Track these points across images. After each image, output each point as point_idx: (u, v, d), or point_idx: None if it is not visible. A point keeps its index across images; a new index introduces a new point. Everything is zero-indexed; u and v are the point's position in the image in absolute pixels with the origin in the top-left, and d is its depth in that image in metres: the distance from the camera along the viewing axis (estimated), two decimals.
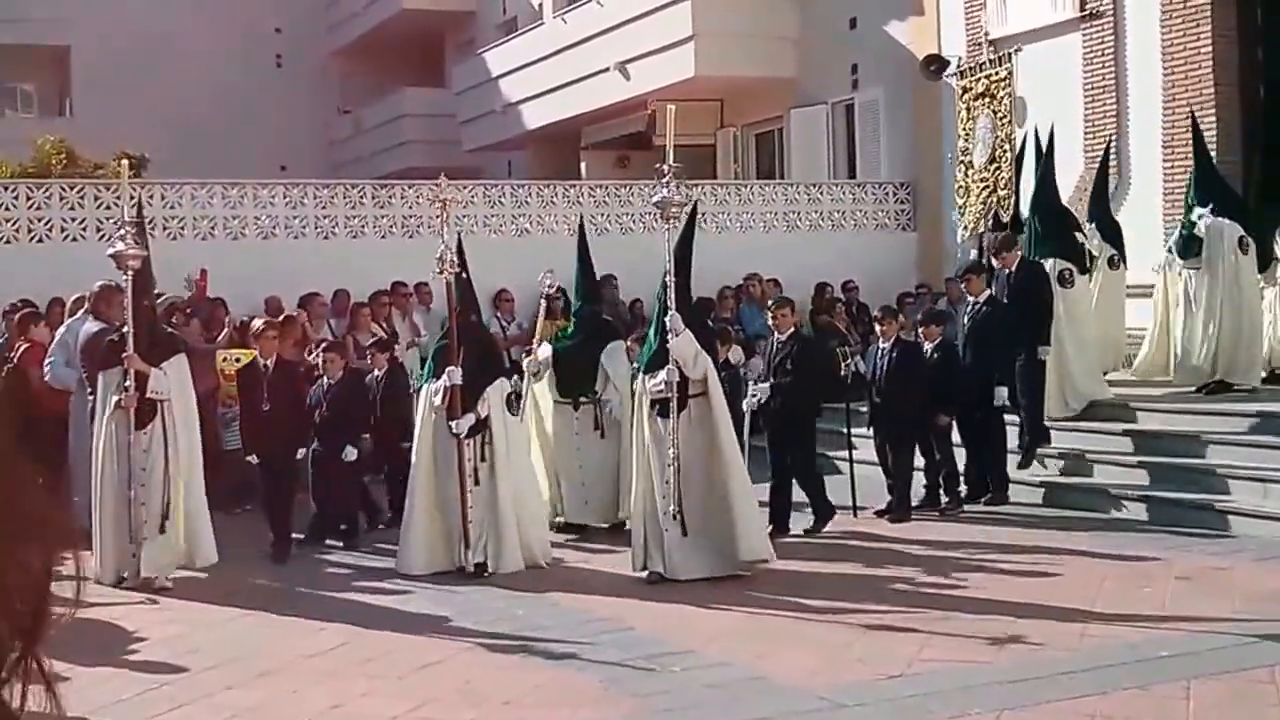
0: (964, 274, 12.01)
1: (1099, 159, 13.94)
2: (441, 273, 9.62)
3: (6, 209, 14.62)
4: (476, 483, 9.36)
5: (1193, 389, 11.77)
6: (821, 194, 17.87)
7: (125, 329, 9.36)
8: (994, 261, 11.84)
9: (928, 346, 11.23)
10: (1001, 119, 12.71)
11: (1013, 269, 11.51)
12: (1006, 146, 12.72)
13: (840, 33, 18.98)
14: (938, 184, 16.81)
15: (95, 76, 30.94)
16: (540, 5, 25.26)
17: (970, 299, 11.62)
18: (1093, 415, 11.72)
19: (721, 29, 19.61)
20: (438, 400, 9.47)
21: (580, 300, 11.45)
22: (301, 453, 10.67)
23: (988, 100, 12.88)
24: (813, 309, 15.70)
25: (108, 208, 14.60)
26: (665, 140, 9.35)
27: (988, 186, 12.83)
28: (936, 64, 16.19)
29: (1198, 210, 11.70)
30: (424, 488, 9.55)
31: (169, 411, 9.36)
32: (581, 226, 12.08)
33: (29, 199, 14.79)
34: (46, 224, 14.69)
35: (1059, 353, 11.56)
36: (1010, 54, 13.04)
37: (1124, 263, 13.17)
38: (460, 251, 9.90)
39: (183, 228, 15.32)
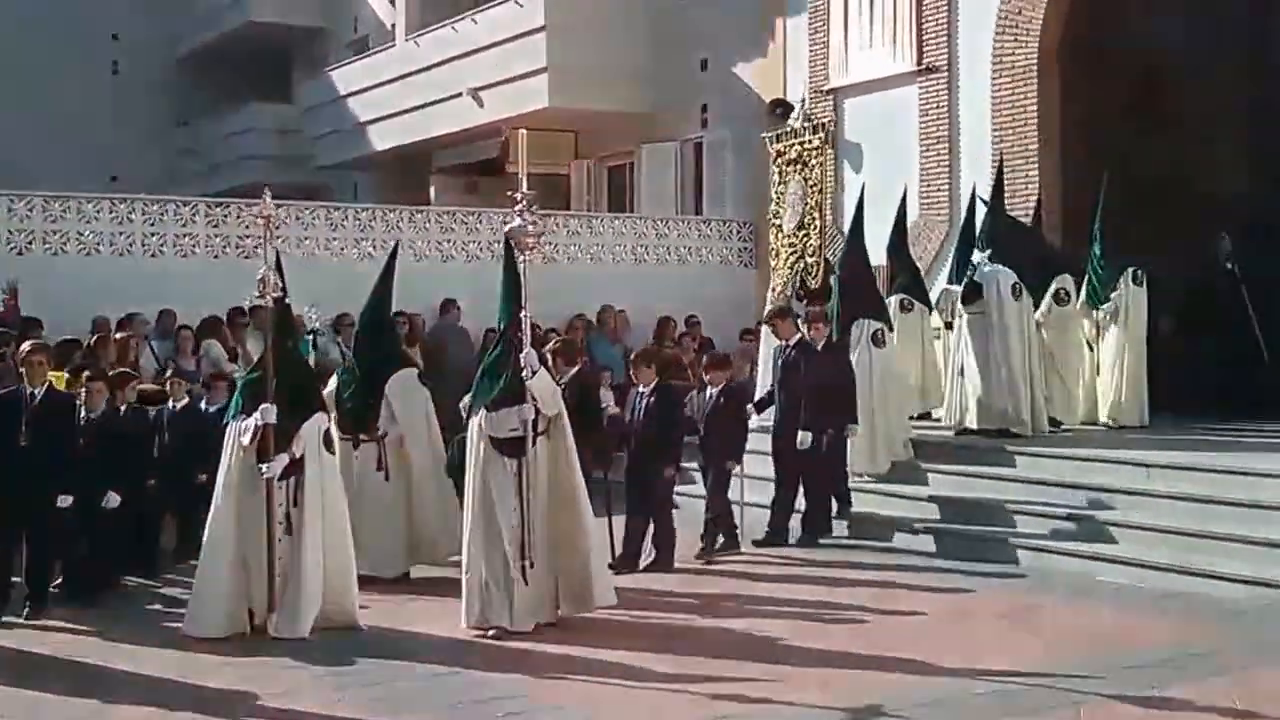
0: (770, 318, 12.54)
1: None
2: (262, 296, 9.23)
3: None
4: (289, 531, 8.87)
5: (978, 430, 12.74)
6: (669, 229, 18.99)
7: None
8: (818, 327, 12.21)
9: (711, 391, 11.60)
10: (812, 186, 13.41)
11: (791, 345, 11.97)
12: (816, 215, 13.31)
13: (692, 72, 20.19)
14: None
15: None
16: (393, 26, 26.01)
17: (779, 342, 12.18)
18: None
19: (576, 62, 20.57)
20: (246, 439, 8.90)
21: (365, 330, 11.39)
22: (67, 500, 9.59)
23: (799, 166, 13.63)
24: (655, 341, 16.77)
25: None
26: (519, 167, 9.32)
27: (796, 252, 13.48)
28: (782, 108, 17.46)
29: (977, 255, 12.92)
30: (226, 538, 8.87)
31: None
32: (394, 252, 11.74)
33: None
34: None
35: (873, 411, 12.28)
36: (824, 123, 13.89)
37: (924, 305, 14.22)
38: (280, 273, 9.46)
39: None
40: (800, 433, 11.53)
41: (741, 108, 19.09)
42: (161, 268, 15.83)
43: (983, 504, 11.48)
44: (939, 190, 15.90)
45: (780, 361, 12.10)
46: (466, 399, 9.58)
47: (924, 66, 16.20)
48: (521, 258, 9.10)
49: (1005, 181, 13.81)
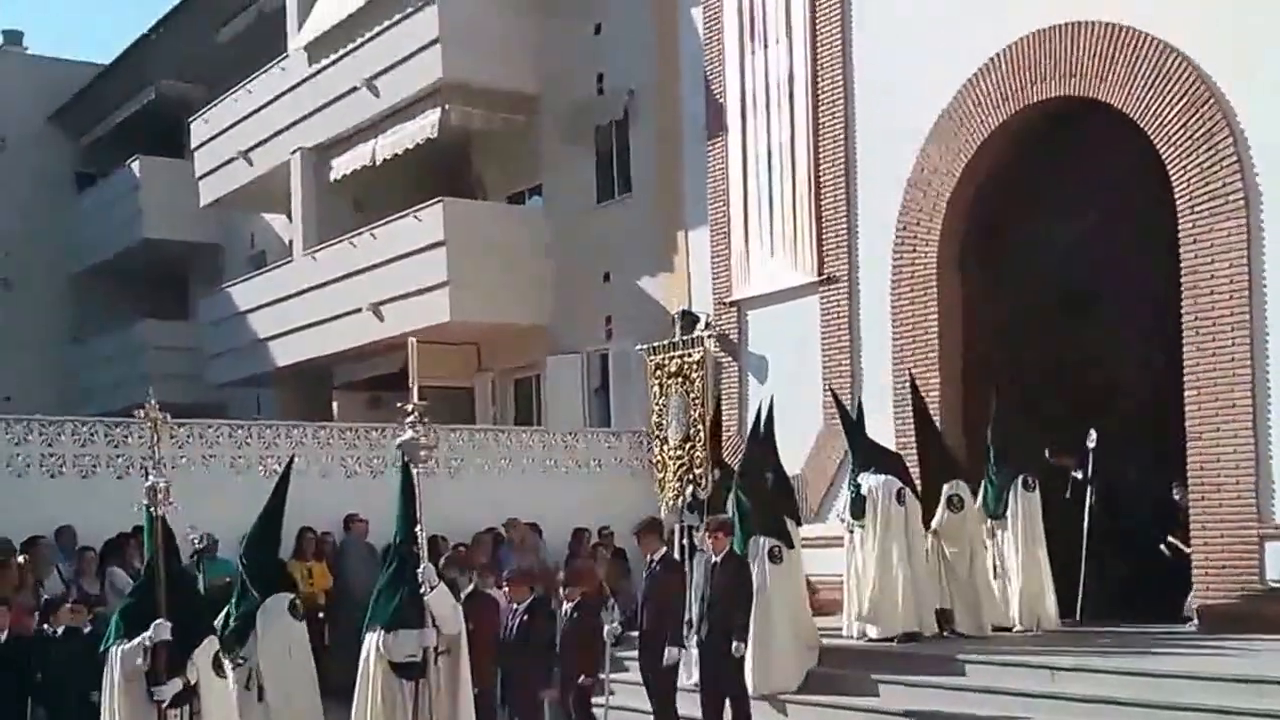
0: (637, 531, 12.43)
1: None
2: (150, 507, 8.65)
3: None
4: None
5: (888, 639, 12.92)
6: (578, 440, 19.13)
7: None
8: (705, 541, 12.18)
9: (567, 606, 11.73)
10: (694, 399, 13.69)
11: (719, 558, 11.87)
12: (700, 426, 13.60)
13: (595, 284, 20.60)
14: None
15: None
16: (291, 241, 26.24)
17: (647, 557, 12.10)
18: None
19: (477, 275, 20.91)
20: (140, 661, 8.29)
21: (249, 547, 10.60)
22: None
23: (680, 380, 13.91)
24: (570, 554, 16.76)
25: None
26: (411, 378, 9.28)
27: (683, 464, 13.74)
28: (686, 319, 17.91)
29: (862, 474, 13.29)
30: None
31: None
32: (288, 466, 11.19)
33: None
34: None
35: (766, 629, 12.33)
36: (701, 336, 14.19)
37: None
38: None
39: None
40: (667, 649, 11.47)
41: (647, 319, 19.47)
42: (63, 488, 15.55)
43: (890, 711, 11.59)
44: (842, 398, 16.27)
45: (646, 576, 12.09)
46: None
47: (825, 276, 16.72)
48: (416, 470, 9.06)
49: (903, 393, 14.16)
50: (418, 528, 8.99)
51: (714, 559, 11.90)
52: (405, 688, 8.72)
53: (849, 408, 14.35)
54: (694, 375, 13.80)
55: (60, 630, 11.55)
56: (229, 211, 29.11)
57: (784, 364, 17.11)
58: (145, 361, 29.27)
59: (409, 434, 8.97)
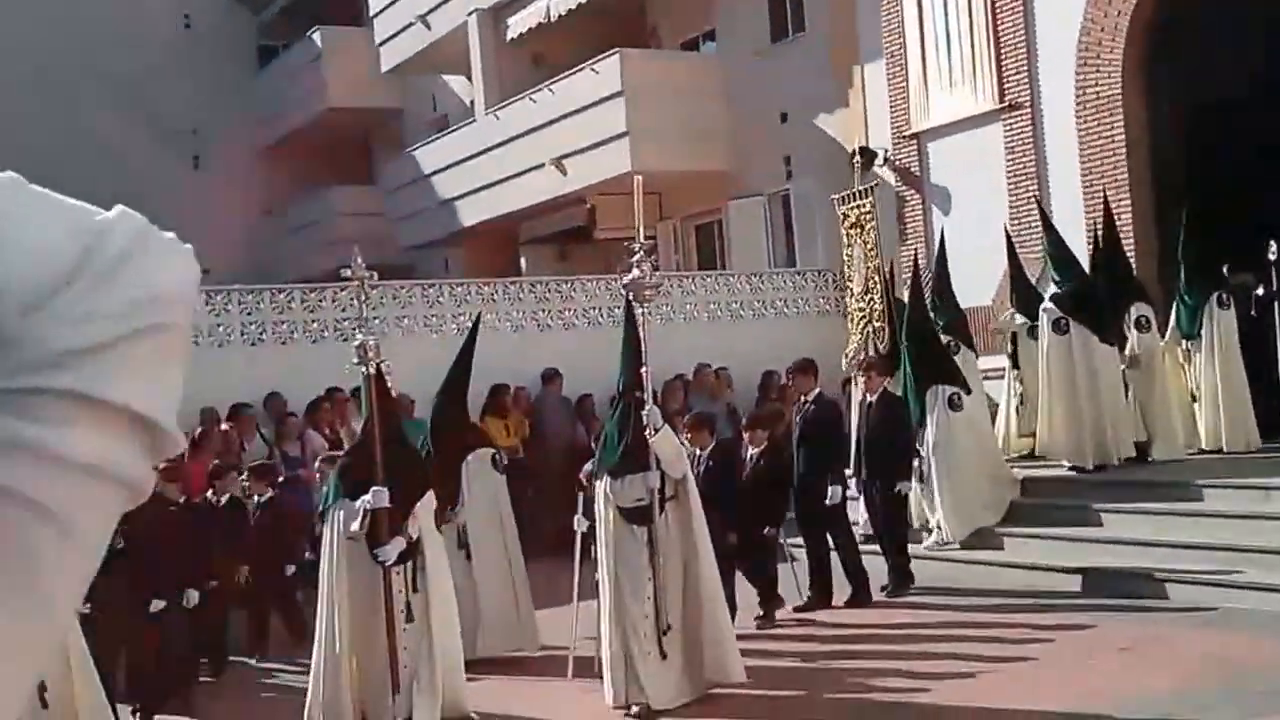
0: (791, 371, 12.57)
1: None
2: (361, 364, 8.65)
3: None
4: (410, 619, 8.40)
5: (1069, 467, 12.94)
6: (763, 283, 19.39)
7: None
8: (859, 379, 12.50)
9: (753, 451, 11.45)
10: (870, 250, 13.63)
11: (874, 397, 12.11)
12: (877, 278, 13.41)
13: (772, 126, 20.69)
14: None
15: None
16: (472, 102, 26.71)
17: (800, 397, 12.10)
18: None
19: (655, 124, 21.14)
20: (355, 525, 8.36)
21: (439, 407, 10.97)
22: (161, 605, 9.73)
23: (858, 231, 13.83)
24: (760, 395, 17.11)
25: None
26: (636, 217, 8.96)
27: (864, 316, 13.70)
28: (865, 156, 17.86)
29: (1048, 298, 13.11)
30: (340, 632, 8.41)
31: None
32: (475, 324, 11.54)
33: None
34: None
35: (950, 478, 12.43)
36: (872, 187, 14.06)
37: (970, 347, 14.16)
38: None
39: None
40: (830, 488, 11.43)
41: (825, 157, 19.50)
42: (262, 355, 16.20)
43: (1095, 539, 11.65)
44: (1030, 227, 16.15)
45: (798, 416, 11.99)
46: (589, 466, 9.48)
47: (1006, 103, 16.54)
48: (640, 310, 8.89)
49: (1094, 217, 13.98)
50: (644, 369, 8.81)
51: (868, 399, 12.02)
52: (639, 534, 8.62)
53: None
54: (868, 225, 13.69)
55: (263, 498, 11.88)
56: (410, 76, 29.60)
57: (967, 194, 17.05)
58: (334, 228, 30.05)
59: (634, 273, 8.73)
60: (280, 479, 12.79)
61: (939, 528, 12.58)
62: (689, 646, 8.67)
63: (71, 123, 31.13)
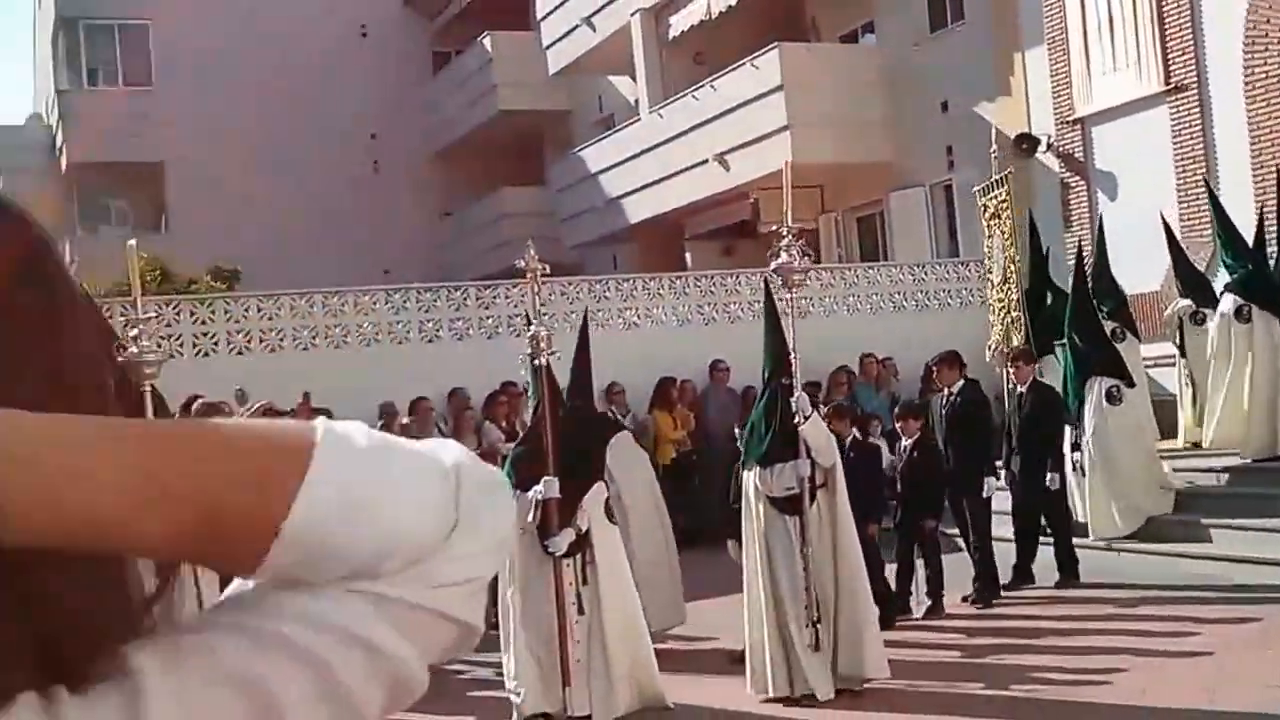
0: (936, 363, 12.37)
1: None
2: (533, 355, 8.69)
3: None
4: (581, 611, 8.31)
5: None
6: (926, 273, 19.21)
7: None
8: (1009, 370, 12.25)
9: (906, 442, 11.33)
10: (1007, 240, 13.36)
11: (1024, 388, 11.95)
12: (1012, 268, 13.18)
13: (933, 115, 20.47)
14: None
15: (190, 190, 32.28)
16: (636, 101, 26.92)
17: (944, 389, 11.95)
18: None
19: (815, 117, 21.08)
20: (530, 517, 8.29)
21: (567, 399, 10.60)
22: None
23: (996, 221, 13.55)
24: (924, 386, 16.96)
25: (203, 323, 15.77)
26: (783, 201, 8.91)
27: (1004, 307, 13.45)
28: (1027, 143, 17.61)
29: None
30: (520, 623, 8.39)
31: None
32: (585, 320, 11.13)
33: (123, 314, 16.10)
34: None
35: (1107, 471, 12.12)
36: (1006, 175, 13.76)
37: (1134, 334, 13.80)
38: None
39: (281, 340, 16.06)
40: (985, 480, 11.28)
41: (987, 145, 19.11)
42: (439, 351, 16.53)
43: (1268, 529, 11.29)
44: (1199, 211, 15.75)
45: (944, 409, 11.77)
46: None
47: (1172, 85, 16.13)
48: (786, 296, 8.76)
49: (1264, 199, 13.57)
50: (791, 356, 8.66)
51: (1019, 389, 11.82)
52: (790, 524, 8.49)
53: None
54: (1004, 215, 13.41)
55: None
56: (576, 77, 29.93)
57: (1132, 179, 16.67)
58: (506, 228, 30.55)
59: (782, 257, 8.56)
60: None
61: (1099, 521, 12.27)
62: (834, 638, 8.56)
63: (262, 134, 32.14)
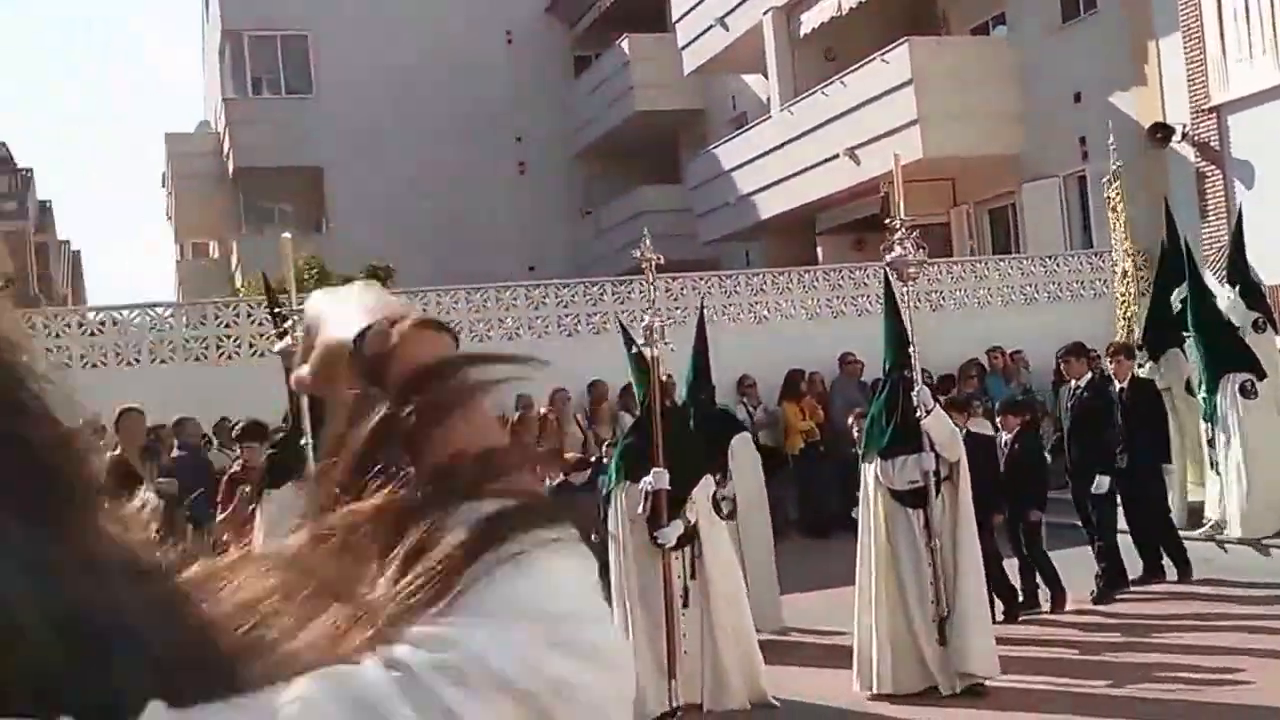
0: (1063, 355, 11.97)
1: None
2: (646, 344, 8.56)
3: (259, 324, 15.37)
4: (685, 604, 8.13)
5: None
6: (1058, 265, 18.64)
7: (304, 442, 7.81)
8: (1109, 365, 11.74)
9: (1005, 437, 10.90)
10: (1122, 233, 12.90)
11: (1125, 384, 11.44)
12: (1128, 261, 12.84)
13: (1065, 107, 19.83)
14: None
15: (348, 194, 33.16)
16: (768, 99, 26.73)
17: (1071, 381, 11.58)
18: None
19: (946, 110, 20.61)
20: (639, 509, 8.15)
21: (689, 393, 10.46)
22: None
23: (1114, 214, 13.12)
24: (1055, 381, 16.42)
25: None
26: (895, 195, 8.75)
27: (1125, 300, 12.96)
28: (1162, 132, 16.93)
29: None
30: (634, 615, 8.14)
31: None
32: (701, 317, 11.02)
33: (276, 309, 16.25)
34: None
35: (1249, 466, 11.48)
36: (1117, 169, 13.23)
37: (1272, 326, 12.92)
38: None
39: None
40: (1098, 477, 10.85)
41: (1121, 136, 18.50)
42: (578, 345, 16.54)
43: None
44: None
45: (1070, 403, 11.43)
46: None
47: None
48: (903, 288, 8.57)
49: None
50: (911, 349, 8.42)
51: (1120, 386, 11.37)
52: (914, 518, 8.26)
53: None
54: (1120, 208, 12.96)
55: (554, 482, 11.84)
56: (710, 77, 29.80)
57: (1272, 167, 15.90)
58: (643, 226, 30.36)
59: (896, 250, 8.39)
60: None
61: (1229, 519, 11.69)
62: (953, 634, 8.22)
63: (413, 138, 32.80)
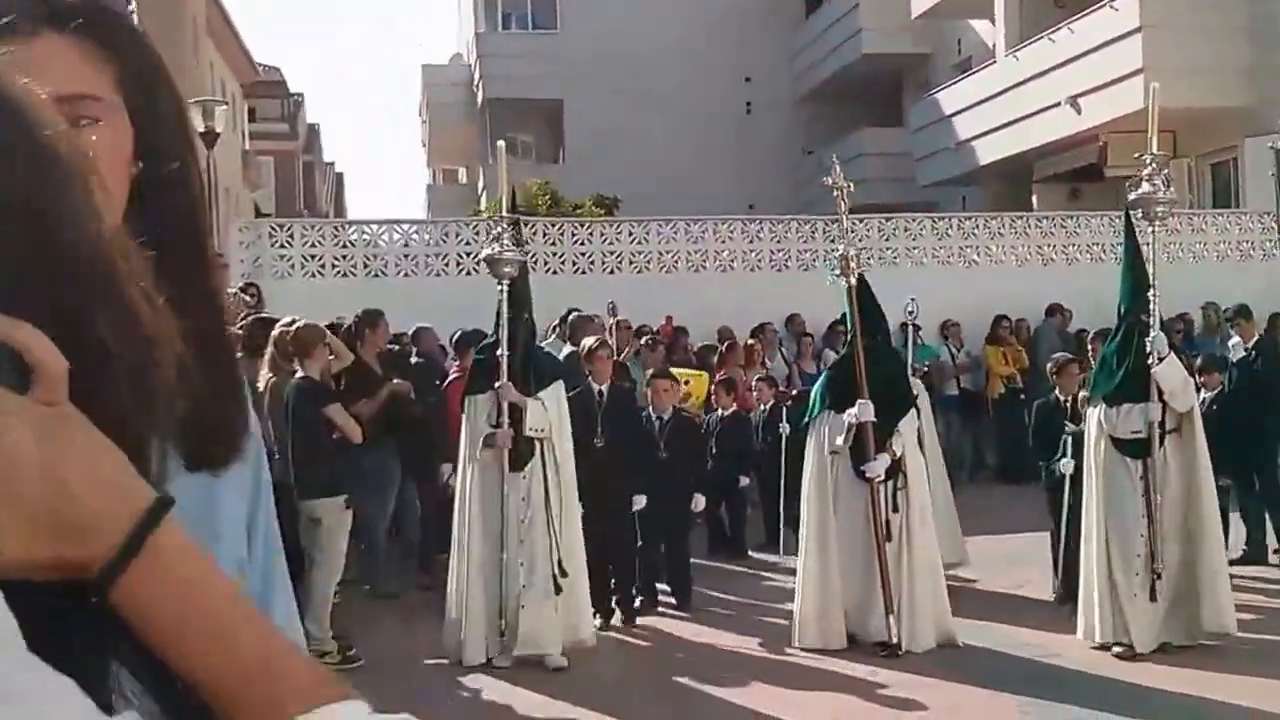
0: (1232, 318, 11.24)
1: None
2: (842, 275, 8.16)
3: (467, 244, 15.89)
4: (889, 538, 7.69)
5: None
6: (1275, 222, 17.51)
7: (500, 351, 7.76)
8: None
9: (1206, 395, 9.80)
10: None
11: (1251, 344, 10.80)
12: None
13: None
14: None
15: (585, 127, 33.52)
16: (994, 44, 25.82)
17: (1241, 346, 10.99)
18: None
19: (1172, 61, 19.52)
20: (840, 441, 7.82)
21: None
22: (641, 501, 8.88)
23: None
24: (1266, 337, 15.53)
25: (581, 244, 16.27)
26: (1150, 127, 7.84)
27: None
28: None
29: None
30: (826, 545, 7.86)
31: (549, 451, 7.79)
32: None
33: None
34: (531, 258, 16.45)
35: None
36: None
37: None
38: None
39: (648, 262, 16.37)
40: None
41: None
42: (786, 280, 16.40)
43: None
44: None
45: (1238, 368, 10.66)
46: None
47: None
48: (1149, 228, 7.81)
49: None
50: (1151, 293, 7.69)
51: (1245, 349, 10.75)
52: (1133, 468, 7.56)
53: None
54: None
55: (727, 413, 11.48)
56: (937, 21, 28.94)
57: None
58: (863, 167, 29.95)
59: (1144, 187, 7.69)
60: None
61: None
62: (1181, 591, 7.55)
63: (649, 77, 32.96)
